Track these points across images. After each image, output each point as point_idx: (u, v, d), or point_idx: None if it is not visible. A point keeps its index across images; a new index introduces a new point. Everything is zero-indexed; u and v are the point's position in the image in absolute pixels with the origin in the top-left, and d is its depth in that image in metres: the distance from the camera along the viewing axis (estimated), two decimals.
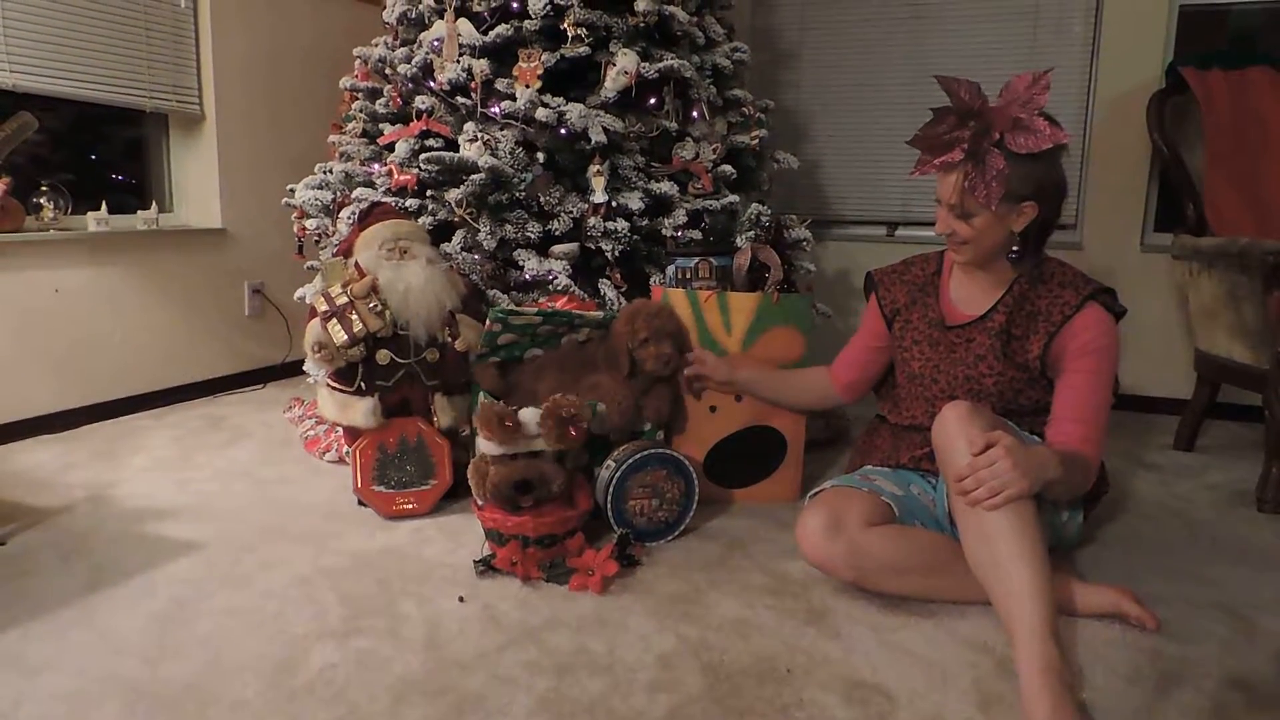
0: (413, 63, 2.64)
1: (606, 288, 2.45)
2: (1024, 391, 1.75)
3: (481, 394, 2.13)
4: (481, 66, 2.50)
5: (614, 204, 2.46)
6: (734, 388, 2.16)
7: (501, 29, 2.51)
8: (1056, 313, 1.70)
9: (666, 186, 2.52)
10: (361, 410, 2.09)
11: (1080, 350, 1.67)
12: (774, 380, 2.16)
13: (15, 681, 1.38)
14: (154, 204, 3.11)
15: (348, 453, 2.25)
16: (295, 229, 2.85)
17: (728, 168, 2.68)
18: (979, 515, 1.45)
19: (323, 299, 2.10)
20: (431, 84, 2.61)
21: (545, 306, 2.24)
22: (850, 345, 2.06)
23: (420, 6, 2.69)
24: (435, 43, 2.59)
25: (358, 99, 2.93)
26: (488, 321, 2.11)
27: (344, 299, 2.07)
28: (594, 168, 2.44)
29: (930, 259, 1.93)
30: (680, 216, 2.51)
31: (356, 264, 2.16)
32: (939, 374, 1.81)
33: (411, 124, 2.62)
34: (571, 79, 2.57)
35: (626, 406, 2.04)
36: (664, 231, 2.50)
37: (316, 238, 2.79)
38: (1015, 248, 1.71)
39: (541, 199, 2.45)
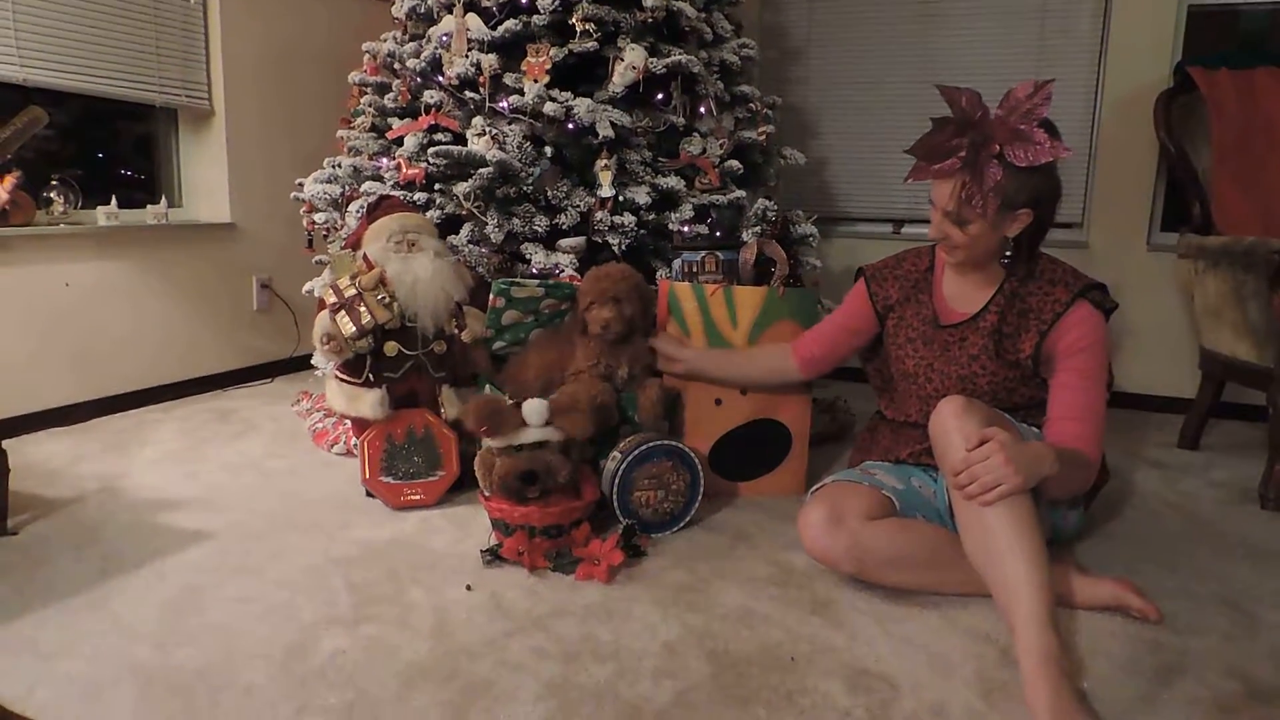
0: (421, 57, 2.66)
1: None
2: (1018, 390, 1.76)
3: (488, 387, 2.15)
4: (490, 61, 2.51)
5: (621, 198, 2.47)
6: (684, 366, 2.13)
7: (510, 24, 2.53)
8: (1048, 310, 1.70)
9: (673, 181, 2.53)
10: (369, 402, 2.11)
11: (1070, 349, 1.67)
12: (721, 358, 2.16)
13: (30, 666, 1.40)
14: (163, 198, 3.14)
15: (356, 444, 2.27)
16: (304, 223, 2.87)
17: (735, 163, 2.69)
18: (976, 510, 1.45)
19: (331, 291, 2.11)
20: (440, 78, 2.62)
21: None
22: (824, 322, 2.06)
23: (429, 1, 2.71)
24: (444, 37, 2.60)
25: (366, 93, 2.95)
26: (491, 296, 2.12)
27: (352, 291, 2.09)
28: (601, 162, 2.45)
29: (923, 254, 1.93)
30: (687, 211, 2.52)
31: (365, 257, 2.17)
32: (933, 373, 1.81)
33: (420, 118, 2.63)
34: (579, 74, 2.59)
35: (603, 399, 2.02)
36: (670, 226, 2.51)
37: (325, 231, 2.81)
38: (1009, 253, 1.71)
39: (549, 193, 2.46)
